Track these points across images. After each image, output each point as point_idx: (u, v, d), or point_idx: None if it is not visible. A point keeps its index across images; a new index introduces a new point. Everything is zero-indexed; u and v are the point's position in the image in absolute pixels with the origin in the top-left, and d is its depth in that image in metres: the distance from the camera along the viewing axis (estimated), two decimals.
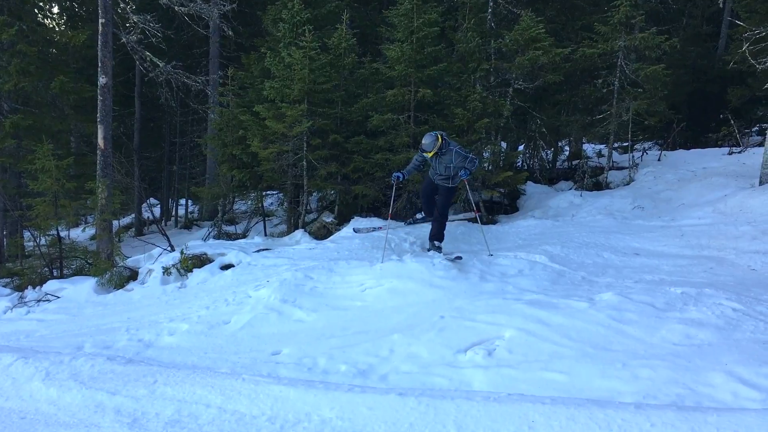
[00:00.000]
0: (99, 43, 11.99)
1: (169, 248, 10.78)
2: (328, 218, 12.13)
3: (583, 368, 4.67)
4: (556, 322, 5.54)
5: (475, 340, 5.44)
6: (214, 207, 17.04)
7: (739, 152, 14.25)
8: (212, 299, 7.87)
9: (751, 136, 17.65)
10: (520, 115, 13.74)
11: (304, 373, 5.20)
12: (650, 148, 18.59)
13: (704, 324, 5.29)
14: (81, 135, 18.52)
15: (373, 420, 4.01)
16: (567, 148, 17.90)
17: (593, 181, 13.63)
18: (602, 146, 18.66)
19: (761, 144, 15.05)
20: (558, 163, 16.49)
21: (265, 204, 14.98)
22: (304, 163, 11.50)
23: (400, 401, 4.15)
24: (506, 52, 12.33)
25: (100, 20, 11.93)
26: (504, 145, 15.05)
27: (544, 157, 15.96)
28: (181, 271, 9.49)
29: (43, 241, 12.06)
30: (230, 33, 15.36)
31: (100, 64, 11.99)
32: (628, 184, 13.25)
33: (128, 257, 11.06)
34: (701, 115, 19.29)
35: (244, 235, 13.34)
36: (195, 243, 10.78)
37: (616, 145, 15.87)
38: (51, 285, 10.07)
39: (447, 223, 9.11)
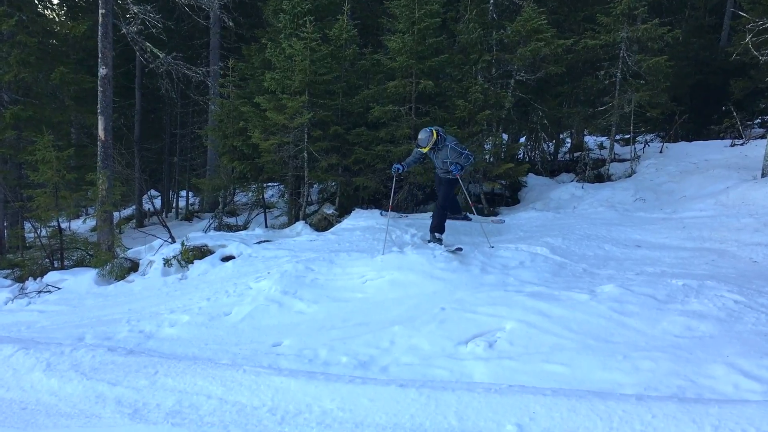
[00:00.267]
0: (99, 33, 11.95)
1: (169, 240, 10.77)
2: (329, 210, 12.11)
3: (584, 360, 4.66)
4: (557, 314, 5.53)
5: (476, 332, 5.44)
6: (215, 199, 17.02)
7: (742, 144, 14.20)
8: (213, 291, 7.87)
9: (754, 128, 17.58)
10: (521, 106, 13.70)
11: (305, 364, 5.20)
12: (652, 140, 18.52)
13: (705, 316, 5.28)
14: (81, 126, 18.48)
15: (374, 411, 4.01)
16: (568, 140, 17.86)
17: (595, 173, 13.60)
18: (604, 138, 18.61)
19: (763, 136, 15.00)
20: (559, 155, 16.45)
21: (265, 196, 14.96)
22: (305, 154, 11.47)
23: (401, 392, 4.15)
24: (508, 44, 12.28)
25: (101, 11, 11.90)
26: (505, 137, 15.03)
27: (546, 149, 15.94)
28: (182, 262, 9.49)
29: (43, 233, 12.06)
30: (231, 24, 15.30)
31: (100, 55, 11.95)
32: (629, 176, 13.22)
33: (129, 249, 11.05)
34: (703, 107, 19.21)
35: (244, 227, 13.33)
36: (196, 234, 10.77)
37: (617, 137, 15.83)
38: (52, 276, 10.07)
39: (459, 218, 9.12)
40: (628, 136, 15.51)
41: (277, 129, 11.23)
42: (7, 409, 4.57)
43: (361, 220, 10.64)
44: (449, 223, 9.06)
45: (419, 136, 8.60)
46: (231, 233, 11.39)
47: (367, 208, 11.62)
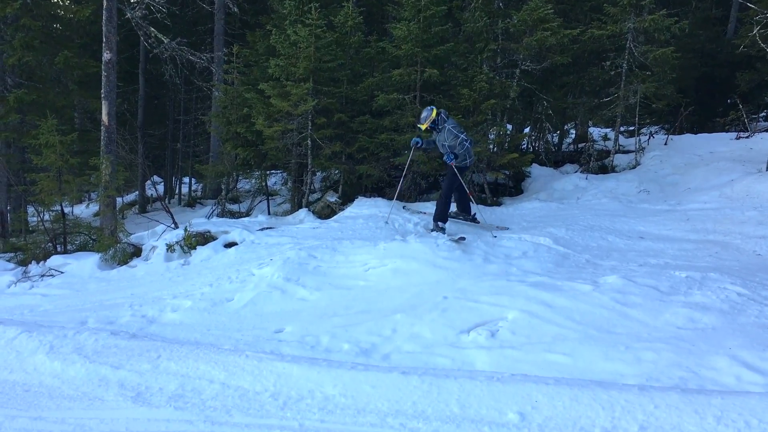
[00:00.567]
0: (104, 18, 11.90)
1: (172, 225, 10.77)
2: (332, 198, 12.10)
3: (587, 350, 4.67)
4: (560, 304, 5.53)
5: (478, 321, 5.45)
6: (218, 185, 17.03)
7: (747, 137, 14.14)
8: (215, 277, 7.88)
9: (759, 121, 17.51)
10: (526, 96, 13.63)
11: (307, 351, 5.22)
12: (657, 132, 18.44)
13: (708, 308, 5.28)
14: (85, 111, 18.48)
15: (376, 397, 4.02)
16: (573, 131, 17.79)
17: (599, 164, 13.56)
18: (608, 130, 18.53)
19: None
20: (564, 146, 16.38)
21: (268, 183, 14.93)
22: (309, 142, 11.45)
23: (404, 380, 4.16)
24: (514, 33, 12.20)
25: None
26: (510, 126, 14.96)
27: (550, 139, 15.88)
28: (185, 248, 9.49)
29: (47, 217, 12.06)
30: (235, 10, 15.26)
31: (104, 40, 11.92)
32: (634, 167, 13.17)
33: (132, 234, 11.06)
34: (709, 99, 19.13)
35: (247, 214, 13.33)
36: (199, 221, 10.77)
37: (622, 128, 15.77)
38: (55, 260, 10.08)
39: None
40: (633, 127, 15.44)
41: (281, 116, 11.20)
42: (11, 391, 4.59)
43: (364, 208, 10.64)
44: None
45: (421, 114, 8.73)
46: (234, 220, 11.39)
47: (370, 197, 11.60)
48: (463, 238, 7.97)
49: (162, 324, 6.35)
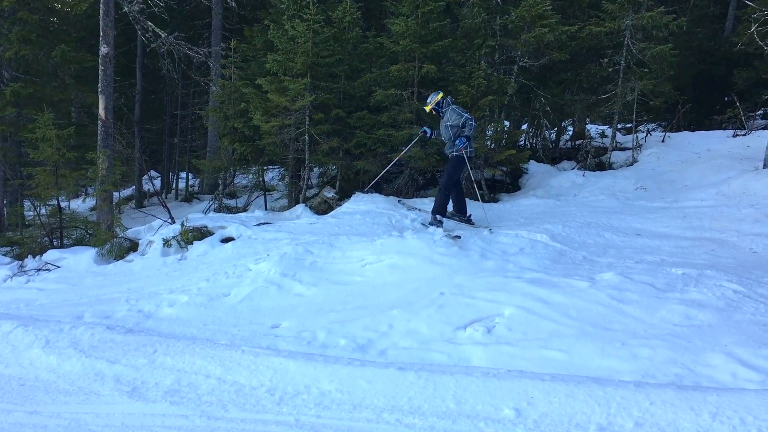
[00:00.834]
0: (101, 12, 11.85)
1: (169, 220, 10.76)
2: (329, 193, 12.10)
3: (583, 347, 4.67)
4: (556, 300, 5.54)
5: (475, 317, 5.45)
6: (215, 180, 16.98)
7: (744, 135, 14.14)
8: (212, 272, 7.87)
9: (756, 119, 17.52)
10: (524, 93, 13.63)
11: (304, 346, 5.21)
12: (654, 129, 18.46)
13: (705, 305, 5.29)
14: (82, 105, 18.39)
15: (372, 393, 4.02)
16: (570, 127, 17.79)
17: (596, 161, 13.56)
18: (605, 127, 18.55)
19: (766, 127, 14.99)
20: (561, 143, 16.39)
21: (266, 178, 14.92)
22: (306, 137, 11.44)
23: (400, 375, 4.17)
24: (512, 29, 12.19)
25: None
26: (507, 123, 14.95)
27: (548, 136, 15.87)
28: (182, 243, 9.48)
29: (43, 211, 12.04)
30: (233, 4, 15.18)
31: (101, 34, 11.86)
32: (631, 164, 13.18)
33: (128, 228, 11.04)
34: (706, 97, 19.13)
35: (244, 209, 13.32)
36: (195, 216, 10.76)
37: (620, 125, 15.78)
38: (51, 254, 10.06)
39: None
40: (631, 124, 15.47)
41: (278, 111, 11.19)
42: (6, 385, 4.59)
43: (361, 204, 10.63)
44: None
45: (427, 98, 8.98)
46: (231, 215, 11.38)
47: (367, 192, 11.59)
48: (459, 237, 7.97)
49: (158, 319, 6.34)
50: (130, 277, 8.56)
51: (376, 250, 7.63)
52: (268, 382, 4.31)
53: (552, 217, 9.66)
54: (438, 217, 8.71)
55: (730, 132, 14.85)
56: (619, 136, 15.30)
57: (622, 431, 3.35)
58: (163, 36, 13.43)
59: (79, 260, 9.72)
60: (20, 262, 10.16)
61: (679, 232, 8.52)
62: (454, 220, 9.10)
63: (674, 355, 4.39)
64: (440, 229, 8.37)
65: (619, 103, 13.06)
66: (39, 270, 9.59)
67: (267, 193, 14.20)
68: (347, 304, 6.35)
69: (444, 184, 8.78)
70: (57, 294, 8.02)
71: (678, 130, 16.55)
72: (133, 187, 21.25)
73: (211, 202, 14.69)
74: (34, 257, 10.22)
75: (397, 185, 12.10)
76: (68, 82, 15.83)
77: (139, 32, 13.87)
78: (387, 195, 11.52)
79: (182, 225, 9.74)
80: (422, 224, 9.20)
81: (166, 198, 19.19)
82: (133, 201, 20.73)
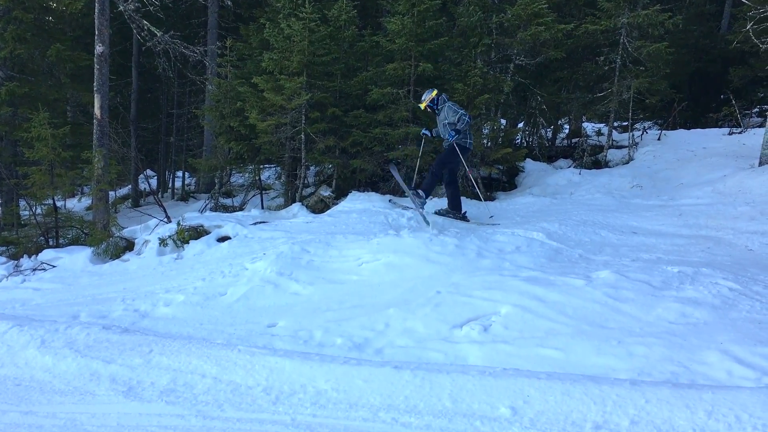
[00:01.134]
0: (96, 10, 11.82)
1: (165, 219, 10.74)
2: (325, 192, 12.09)
3: (579, 345, 4.67)
4: (553, 299, 5.54)
5: (471, 315, 5.44)
6: (211, 179, 16.97)
7: (740, 133, 14.19)
8: (208, 271, 7.86)
9: (752, 117, 17.56)
10: (520, 91, 13.64)
11: (300, 345, 5.21)
12: (650, 127, 18.49)
13: (700, 303, 5.29)
14: (77, 104, 18.37)
15: (368, 392, 4.02)
16: (567, 126, 17.82)
17: (592, 159, 13.58)
18: (602, 125, 18.56)
19: (762, 125, 14.96)
20: (557, 141, 16.41)
21: (262, 177, 14.91)
22: (303, 136, 11.43)
23: (396, 374, 4.16)
24: (508, 27, 12.19)
25: None
26: (503, 121, 14.97)
27: (544, 134, 15.89)
28: (178, 242, 9.47)
29: (39, 210, 12.00)
30: (229, 3, 15.17)
31: (97, 33, 11.84)
32: (627, 163, 13.21)
33: (124, 228, 11.03)
34: (702, 95, 19.18)
35: (240, 208, 13.30)
36: (192, 215, 10.74)
37: (616, 123, 15.79)
38: (47, 254, 10.04)
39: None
40: (627, 123, 15.49)
41: (274, 110, 11.17)
42: (1, 385, 4.57)
43: (357, 202, 10.63)
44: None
45: (422, 95, 9.00)
46: (227, 214, 11.37)
47: (363, 191, 11.59)
48: (428, 223, 8.19)
49: (154, 318, 6.33)
50: (126, 276, 8.55)
51: (372, 248, 7.63)
52: (265, 381, 4.31)
53: (548, 215, 9.66)
54: (420, 192, 8.66)
55: (726, 130, 14.89)
56: (615, 135, 15.32)
57: (617, 429, 3.35)
58: (158, 35, 13.39)
59: (75, 260, 9.70)
60: (16, 261, 10.13)
61: (675, 230, 8.52)
62: (449, 217, 9.10)
63: (670, 353, 4.39)
64: (421, 204, 8.50)
65: (615, 101, 13.08)
66: (35, 270, 9.57)
67: (263, 191, 14.19)
68: (344, 303, 6.34)
69: (434, 168, 8.80)
70: (53, 294, 8.00)
71: (674, 128, 16.60)
72: (129, 186, 21.22)
73: (207, 201, 14.67)
74: (29, 257, 10.19)
75: (394, 184, 12.09)
76: (63, 81, 15.81)
77: (135, 31, 13.84)
78: (383, 194, 11.52)
79: (178, 224, 9.73)
80: (417, 222, 9.20)
81: (162, 197, 19.16)
82: (129, 200, 20.67)
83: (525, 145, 15.10)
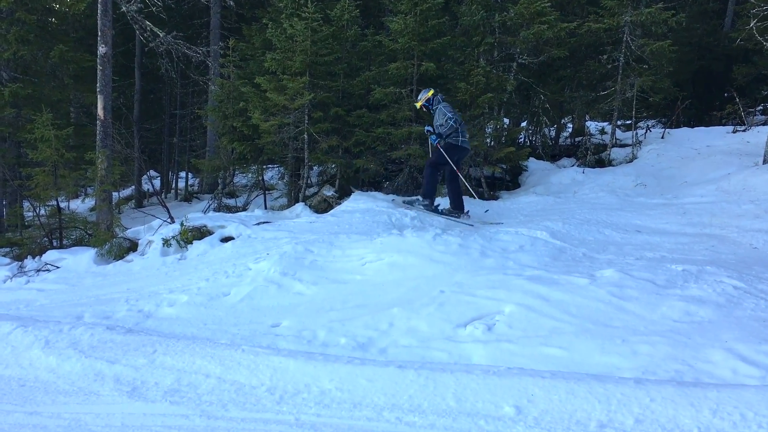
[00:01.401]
0: (99, 11, 11.84)
1: (168, 220, 10.75)
2: (328, 192, 12.09)
3: (583, 344, 4.66)
4: (557, 297, 5.53)
5: (475, 315, 5.44)
6: (214, 180, 16.98)
7: (744, 131, 14.14)
8: (212, 271, 7.86)
9: (756, 115, 17.50)
10: (523, 90, 13.62)
11: (304, 345, 5.21)
12: (654, 125, 18.44)
13: (705, 301, 5.27)
14: (80, 105, 18.37)
15: (372, 391, 4.01)
16: (570, 124, 17.78)
17: (596, 158, 13.56)
18: (605, 124, 18.52)
19: (766, 123, 14.97)
20: (561, 140, 16.39)
21: (265, 177, 14.91)
22: (306, 136, 11.43)
23: (400, 374, 4.15)
24: (511, 26, 12.17)
25: None
26: (507, 120, 14.94)
27: (547, 133, 15.86)
28: (181, 242, 9.48)
29: (42, 212, 12.03)
30: (231, 3, 15.18)
31: (99, 34, 11.85)
32: (630, 161, 13.18)
33: (128, 228, 11.05)
34: (706, 93, 19.11)
35: (244, 209, 13.30)
36: (195, 215, 10.75)
37: (619, 122, 15.76)
38: (50, 255, 10.06)
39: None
40: (630, 121, 15.46)
41: (277, 110, 11.18)
42: (6, 386, 4.58)
43: (360, 202, 10.63)
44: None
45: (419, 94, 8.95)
46: (230, 214, 11.38)
47: (366, 191, 11.59)
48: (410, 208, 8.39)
49: (158, 319, 6.34)
50: (130, 277, 8.56)
51: (376, 248, 7.62)
52: (268, 381, 4.30)
53: (552, 214, 9.65)
54: (421, 198, 8.59)
55: (730, 128, 14.84)
56: (618, 133, 15.29)
57: (622, 428, 3.34)
58: (161, 35, 13.41)
59: (79, 261, 9.72)
60: (20, 262, 10.16)
61: (679, 229, 8.50)
62: (452, 217, 9.06)
63: (674, 352, 4.38)
64: (422, 206, 8.46)
65: (619, 99, 13.06)
66: (38, 270, 9.60)
67: (266, 192, 14.19)
68: (347, 302, 6.34)
69: (425, 170, 8.74)
70: (56, 294, 8.02)
71: (677, 127, 16.54)
72: (133, 187, 21.22)
73: (210, 202, 14.68)
74: (33, 258, 10.22)
75: (398, 183, 12.09)
76: (67, 82, 15.83)
77: (138, 32, 13.86)
78: (387, 193, 11.52)
79: (182, 224, 9.74)
80: (404, 202, 9.20)
81: (165, 198, 19.17)
82: (133, 201, 20.70)
83: (528, 144, 15.10)
